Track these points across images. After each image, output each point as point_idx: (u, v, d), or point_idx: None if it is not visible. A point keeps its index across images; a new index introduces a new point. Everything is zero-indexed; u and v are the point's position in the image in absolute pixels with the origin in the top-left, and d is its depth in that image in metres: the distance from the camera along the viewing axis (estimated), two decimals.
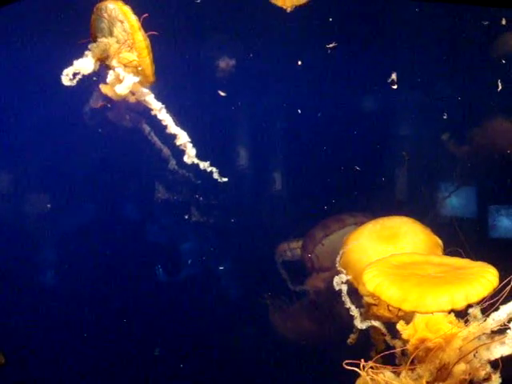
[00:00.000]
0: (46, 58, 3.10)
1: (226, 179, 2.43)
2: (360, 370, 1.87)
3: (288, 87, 3.38)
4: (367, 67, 3.31)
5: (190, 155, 2.35)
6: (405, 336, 1.93)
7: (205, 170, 2.42)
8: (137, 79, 2.25)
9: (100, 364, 3.40)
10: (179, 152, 2.45)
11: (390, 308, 2.22)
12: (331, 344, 3.04)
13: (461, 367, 1.88)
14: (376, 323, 2.17)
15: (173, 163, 2.97)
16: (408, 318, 2.03)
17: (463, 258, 2.15)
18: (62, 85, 2.28)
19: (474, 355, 1.89)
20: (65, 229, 3.56)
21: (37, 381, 3.39)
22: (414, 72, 3.26)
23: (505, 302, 1.94)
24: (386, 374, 1.89)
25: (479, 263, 2.06)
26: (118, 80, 2.23)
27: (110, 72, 2.28)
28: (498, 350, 1.87)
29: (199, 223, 3.41)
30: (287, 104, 3.44)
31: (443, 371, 1.90)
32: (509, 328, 1.87)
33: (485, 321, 1.93)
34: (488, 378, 1.88)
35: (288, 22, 2.91)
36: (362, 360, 1.91)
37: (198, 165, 2.34)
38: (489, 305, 1.93)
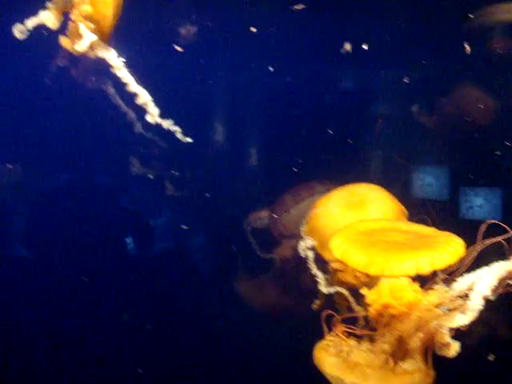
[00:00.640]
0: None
1: (189, 139, 2.38)
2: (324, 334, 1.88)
3: (256, 52, 3.32)
4: (338, 34, 3.26)
5: (153, 114, 2.30)
6: (368, 300, 1.93)
7: (171, 133, 2.37)
8: (94, 36, 2.16)
9: (67, 335, 3.36)
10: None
11: (356, 274, 2.23)
12: (297, 312, 3.04)
13: (421, 334, 1.91)
14: (340, 289, 2.18)
15: (139, 126, 2.91)
16: (373, 285, 2.04)
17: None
18: (25, 43, 2.18)
19: (435, 323, 1.91)
20: (32, 198, 3.48)
21: None
22: (384, 42, 3.23)
23: (466, 272, 1.98)
24: (348, 340, 1.90)
25: (446, 233, 2.07)
26: (78, 34, 2.14)
27: (70, 24, 2.19)
28: (458, 319, 1.91)
29: (173, 197, 3.37)
30: (254, 67, 3.38)
31: (404, 338, 1.92)
32: (468, 299, 1.91)
33: (447, 291, 1.96)
34: (447, 345, 1.90)
35: None
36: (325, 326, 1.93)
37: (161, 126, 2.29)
38: (452, 275, 1.97)
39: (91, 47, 2.22)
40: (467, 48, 2.78)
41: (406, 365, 1.93)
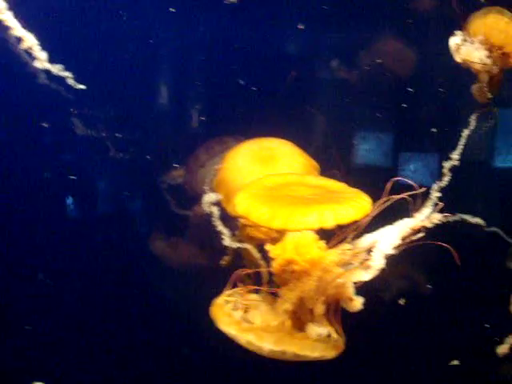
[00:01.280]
0: None
1: (82, 86, 2.26)
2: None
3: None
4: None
5: (41, 59, 2.17)
6: (272, 255, 1.89)
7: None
8: None
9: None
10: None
11: (262, 229, 2.18)
12: (208, 268, 3.00)
13: (322, 297, 1.89)
14: (246, 245, 2.14)
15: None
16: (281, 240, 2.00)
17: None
18: None
19: (339, 279, 1.89)
20: None
21: None
22: None
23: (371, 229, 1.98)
24: (248, 296, 1.86)
25: (355, 190, 2.05)
26: None
27: None
28: (360, 276, 1.92)
29: (114, 159, 3.23)
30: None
31: (306, 298, 1.90)
32: (370, 256, 1.92)
33: (351, 247, 1.95)
34: (351, 300, 1.89)
35: None
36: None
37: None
38: (357, 232, 1.96)
39: None
40: None
41: (310, 329, 1.91)
